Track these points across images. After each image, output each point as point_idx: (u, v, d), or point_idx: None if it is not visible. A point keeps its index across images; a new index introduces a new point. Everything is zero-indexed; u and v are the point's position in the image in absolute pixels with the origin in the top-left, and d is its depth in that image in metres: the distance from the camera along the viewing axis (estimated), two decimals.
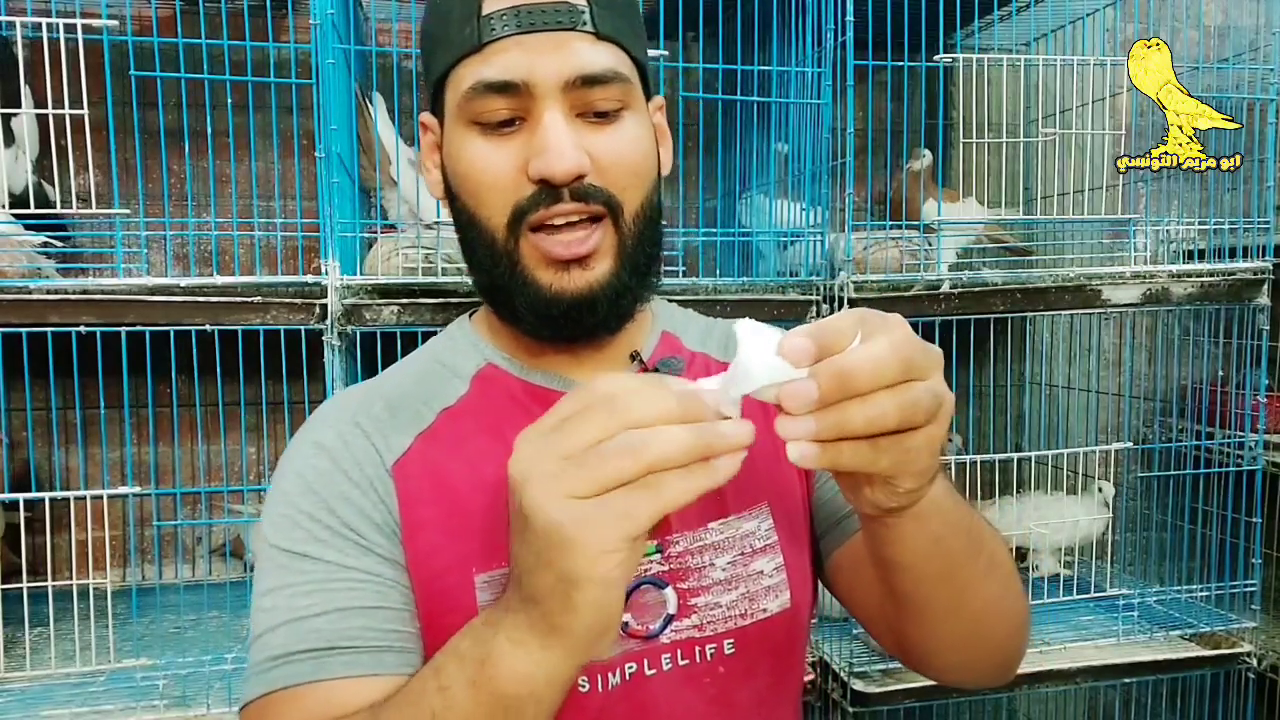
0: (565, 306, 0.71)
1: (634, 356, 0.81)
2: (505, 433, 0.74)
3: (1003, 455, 1.91)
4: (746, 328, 0.51)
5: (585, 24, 0.70)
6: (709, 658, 0.74)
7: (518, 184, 0.70)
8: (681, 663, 0.74)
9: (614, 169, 0.71)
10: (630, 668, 0.72)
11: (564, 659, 0.54)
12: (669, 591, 0.74)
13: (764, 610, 0.77)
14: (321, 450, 0.73)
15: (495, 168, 0.70)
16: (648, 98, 0.77)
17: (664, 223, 0.79)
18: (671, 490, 0.48)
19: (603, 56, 0.70)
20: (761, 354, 0.49)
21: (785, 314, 1.71)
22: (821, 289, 1.73)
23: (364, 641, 0.67)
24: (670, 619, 0.73)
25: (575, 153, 0.68)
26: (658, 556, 0.74)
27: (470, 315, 0.85)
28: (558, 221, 0.70)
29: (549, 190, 0.69)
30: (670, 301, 0.90)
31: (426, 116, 0.78)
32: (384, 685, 0.66)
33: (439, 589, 0.70)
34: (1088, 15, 2.11)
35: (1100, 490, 2.01)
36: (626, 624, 0.73)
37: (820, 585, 0.86)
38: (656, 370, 0.79)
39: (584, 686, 0.71)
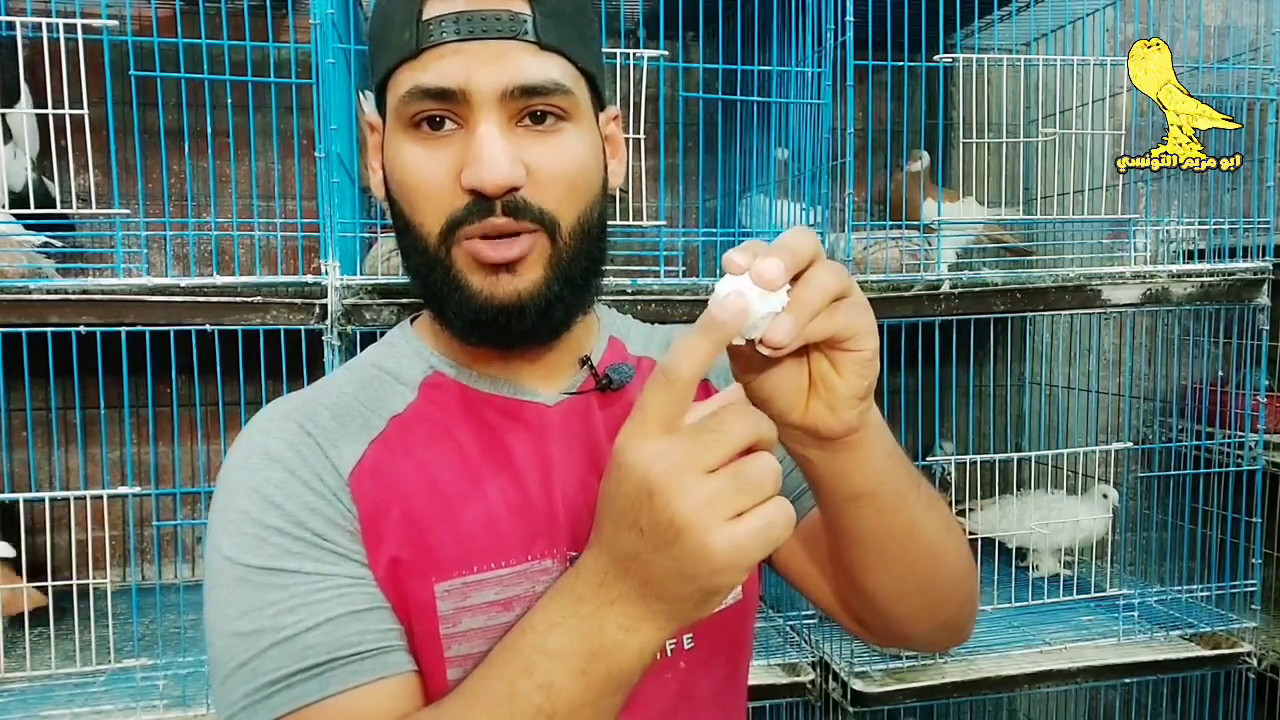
0: (493, 312, 0.71)
1: (584, 361, 0.80)
2: (459, 440, 0.74)
3: (1003, 455, 1.91)
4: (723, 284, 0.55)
5: (527, 33, 0.68)
6: (669, 653, 0.74)
7: (452, 193, 0.69)
8: None
9: (550, 182, 0.70)
10: None
11: (672, 632, 0.57)
12: None
13: (719, 603, 0.77)
14: (274, 461, 0.69)
15: (430, 176, 0.69)
16: (601, 108, 0.77)
17: (608, 235, 0.78)
18: (790, 523, 0.52)
19: (544, 67, 0.69)
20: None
21: None
22: None
23: (365, 646, 0.65)
24: None
25: (508, 165, 0.67)
26: None
27: (412, 321, 0.83)
28: (491, 235, 0.69)
29: (481, 202, 0.68)
30: (610, 307, 0.90)
31: (373, 117, 0.77)
32: (395, 686, 0.65)
33: (401, 599, 0.69)
34: (1088, 15, 2.11)
35: (1106, 496, 2.01)
36: None
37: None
38: (608, 376, 0.79)
39: None
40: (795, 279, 0.55)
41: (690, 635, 0.75)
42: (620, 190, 1.69)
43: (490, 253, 0.69)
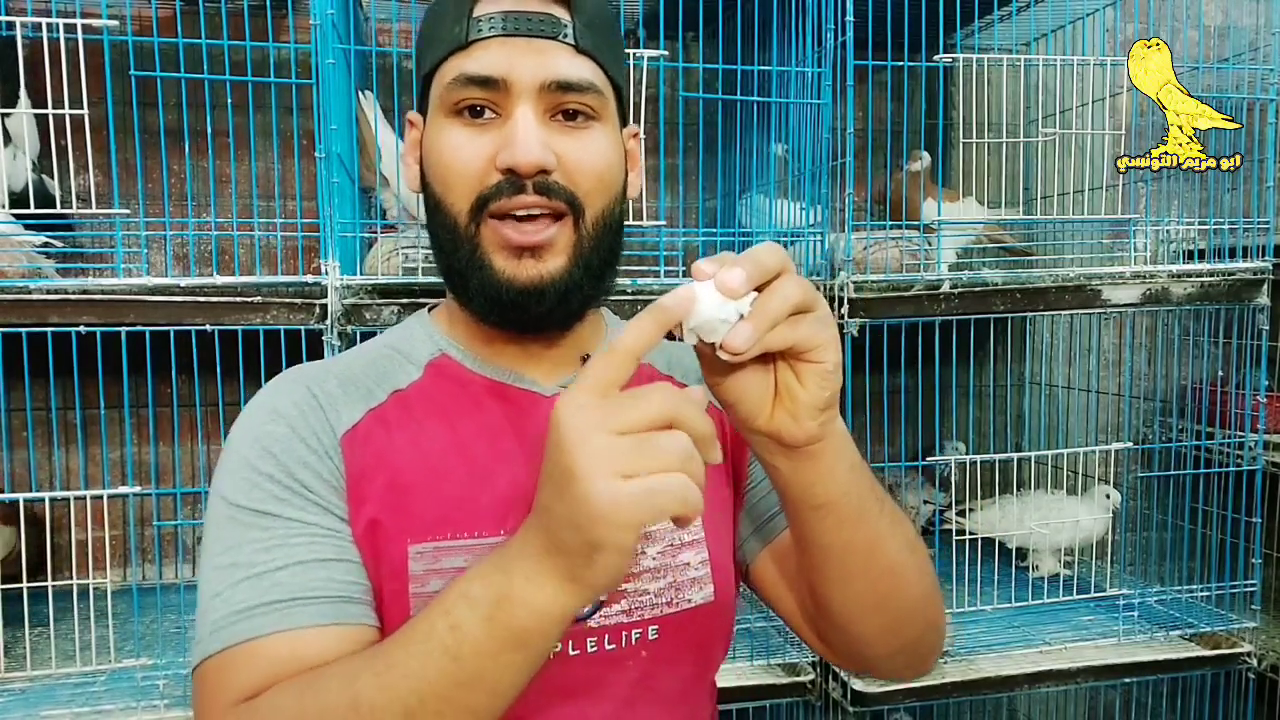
0: (515, 294, 0.75)
1: (586, 359, 0.83)
2: (454, 419, 0.78)
3: (1003, 455, 1.91)
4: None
5: (566, 36, 0.75)
6: (633, 642, 0.77)
7: (485, 173, 0.74)
8: (608, 647, 0.76)
9: (579, 172, 0.74)
10: (555, 647, 0.74)
11: (573, 600, 0.58)
12: None
13: (688, 600, 0.79)
14: (279, 417, 0.75)
15: (466, 156, 0.74)
16: (624, 121, 0.82)
17: (624, 237, 0.82)
18: (688, 500, 0.54)
19: (579, 68, 0.75)
20: (709, 300, 0.58)
21: None
22: (821, 289, 1.73)
23: (326, 592, 0.69)
24: (600, 605, 0.76)
25: (541, 147, 0.72)
26: None
27: (430, 310, 0.88)
28: (519, 213, 0.73)
29: (513, 181, 0.73)
30: (615, 314, 0.94)
31: (413, 114, 0.82)
32: (348, 635, 0.68)
33: (375, 557, 0.73)
34: (1088, 15, 2.11)
35: (1109, 497, 2.01)
36: None
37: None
38: None
39: None
40: (763, 290, 0.58)
41: (656, 627, 0.77)
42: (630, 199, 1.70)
43: (517, 237, 0.74)
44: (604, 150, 0.76)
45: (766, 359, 0.62)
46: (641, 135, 1.68)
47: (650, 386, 0.55)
